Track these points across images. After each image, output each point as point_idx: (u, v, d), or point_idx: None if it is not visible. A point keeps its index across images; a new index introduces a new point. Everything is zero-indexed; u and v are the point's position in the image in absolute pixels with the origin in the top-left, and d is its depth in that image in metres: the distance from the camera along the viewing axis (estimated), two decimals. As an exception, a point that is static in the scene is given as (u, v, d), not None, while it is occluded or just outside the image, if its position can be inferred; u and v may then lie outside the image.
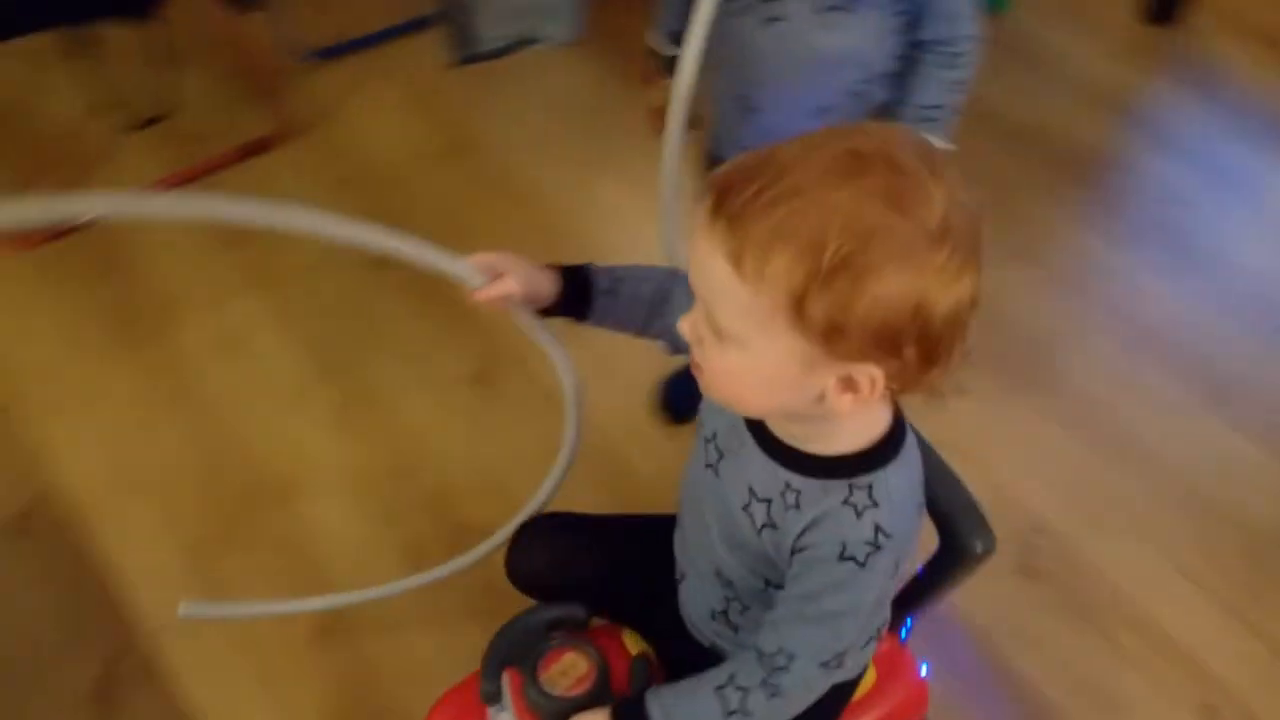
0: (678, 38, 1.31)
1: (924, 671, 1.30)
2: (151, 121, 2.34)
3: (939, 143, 1.38)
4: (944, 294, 0.77)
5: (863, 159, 0.75)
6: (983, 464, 1.85)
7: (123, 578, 1.66)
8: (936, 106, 1.39)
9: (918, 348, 0.78)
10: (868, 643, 0.95)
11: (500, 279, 1.03)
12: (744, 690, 0.94)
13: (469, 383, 1.94)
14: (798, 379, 0.81)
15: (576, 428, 1.24)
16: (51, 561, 1.68)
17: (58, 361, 1.94)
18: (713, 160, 1.54)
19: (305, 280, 2.08)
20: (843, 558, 0.87)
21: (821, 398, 0.82)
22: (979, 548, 1.08)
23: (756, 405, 0.88)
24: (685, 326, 0.86)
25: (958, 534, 1.09)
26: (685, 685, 0.98)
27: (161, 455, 1.82)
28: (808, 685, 0.95)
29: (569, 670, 1.10)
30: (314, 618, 1.62)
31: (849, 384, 0.81)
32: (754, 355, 0.80)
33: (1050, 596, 1.72)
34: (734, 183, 0.77)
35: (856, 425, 0.88)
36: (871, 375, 0.80)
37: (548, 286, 1.05)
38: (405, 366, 1.96)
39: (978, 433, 1.84)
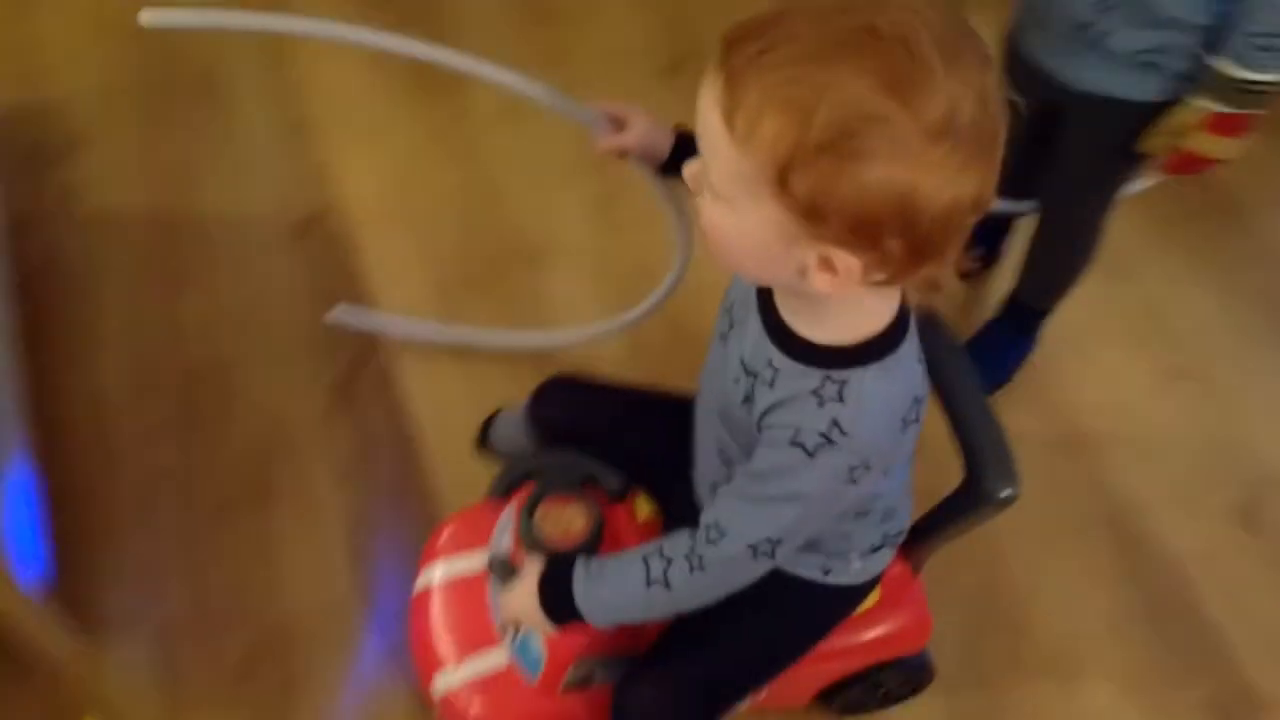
0: None
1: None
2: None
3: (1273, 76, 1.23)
4: (936, 192, 0.72)
5: (876, 38, 0.70)
6: (1229, 404, 1.77)
7: (375, 295, 1.82)
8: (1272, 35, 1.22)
9: (902, 241, 0.75)
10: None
11: (621, 132, 1.05)
12: (669, 560, 0.95)
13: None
14: (779, 249, 0.78)
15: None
16: (320, 267, 1.86)
17: (362, 93, 2.09)
18: (1010, 53, 1.46)
19: (601, 64, 2.15)
20: (793, 443, 0.85)
21: (804, 272, 0.79)
22: (1001, 492, 1.03)
23: (742, 267, 0.86)
24: (688, 174, 0.84)
25: (982, 475, 1.05)
26: (620, 553, 1.00)
27: (432, 198, 1.96)
28: (730, 566, 0.94)
29: (563, 521, 1.11)
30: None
31: (828, 264, 0.78)
32: (740, 217, 0.78)
33: (1269, 552, 1.64)
34: (742, 38, 0.73)
35: (849, 316, 0.86)
36: (848, 262, 0.77)
37: (663, 145, 1.06)
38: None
39: (1233, 368, 1.74)
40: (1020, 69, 1.42)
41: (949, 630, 1.54)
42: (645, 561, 0.97)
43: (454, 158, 2.01)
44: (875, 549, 1.10)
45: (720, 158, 0.76)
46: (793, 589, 1.10)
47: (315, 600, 1.52)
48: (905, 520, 1.12)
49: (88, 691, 1.45)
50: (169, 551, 1.57)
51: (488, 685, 1.16)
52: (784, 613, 1.12)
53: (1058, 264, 1.70)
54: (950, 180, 0.73)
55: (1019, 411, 1.75)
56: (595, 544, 1.10)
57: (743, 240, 0.80)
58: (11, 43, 2.13)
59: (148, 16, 1.06)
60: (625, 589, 0.98)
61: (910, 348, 0.89)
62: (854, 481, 0.87)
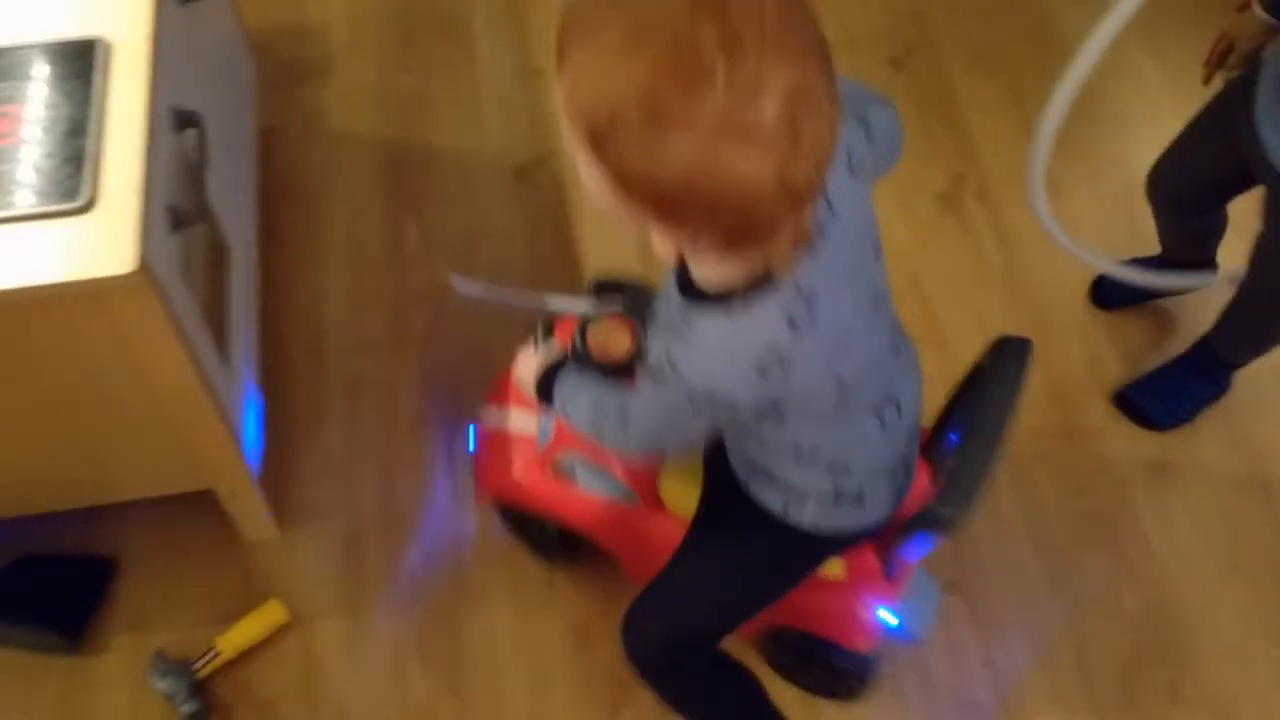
0: None
1: (893, 617, 1.32)
2: None
3: None
4: (728, 177, 0.74)
5: (693, 26, 0.71)
6: None
7: (581, 242, 1.88)
8: None
9: (707, 223, 0.78)
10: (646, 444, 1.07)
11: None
12: (617, 403, 1.09)
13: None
14: (616, 207, 0.81)
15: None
16: (536, 208, 1.93)
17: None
18: (1232, 116, 1.42)
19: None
20: (647, 360, 0.97)
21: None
22: (943, 511, 1.10)
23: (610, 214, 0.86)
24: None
25: (940, 494, 1.11)
26: (595, 380, 1.17)
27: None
28: (630, 435, 1.07)
29: (610, 338, 1.23)
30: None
31: (653, 234, 0.83)
32: (588, 174, 0.81)
33: None
34: (583, 12, 0.76)
35: (707, 268, 0.91)
36: (665, 235, 0.82)
37: None
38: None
39: None
40: (1245, 130, 1.39)
41: (1107, 650, 1.53)
42: (600, 397, 1.12)
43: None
44: (833, 501, 1.14)
45: (564, 119, 0.80)
46: (759, 522, 1.18)
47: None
48: (869, 489, 1.15)
49: (276, 576, 1.56)
50: (365, 456, 1.66)
51: (514, 438, 1.44)
52: (749, 543, 1.22)
53: (1259, 326, 1.64)
54: (744, 166, 0.74)
55: (1208, 445, 1.70)
56: (621, 367, 1.21)
57: (597, 195, 0.82)
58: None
59: None
60: (579, 403, 1.15)
61: (773, 307, 0.89)
62: (698, 411, 0.96)
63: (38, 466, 1.40)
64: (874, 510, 1.17)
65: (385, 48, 2.14)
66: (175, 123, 1.31)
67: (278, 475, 1.61)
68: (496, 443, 1.46)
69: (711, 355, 0.92)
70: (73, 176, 1.12)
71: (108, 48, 1.23)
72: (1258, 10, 1.37)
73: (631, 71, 0.73)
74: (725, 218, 0.78)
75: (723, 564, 1.24)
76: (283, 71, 2.08)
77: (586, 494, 1.40)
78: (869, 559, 1.29)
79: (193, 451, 1.40)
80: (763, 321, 0.90)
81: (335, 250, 1.87)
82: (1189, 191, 1.62)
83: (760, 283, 0.89)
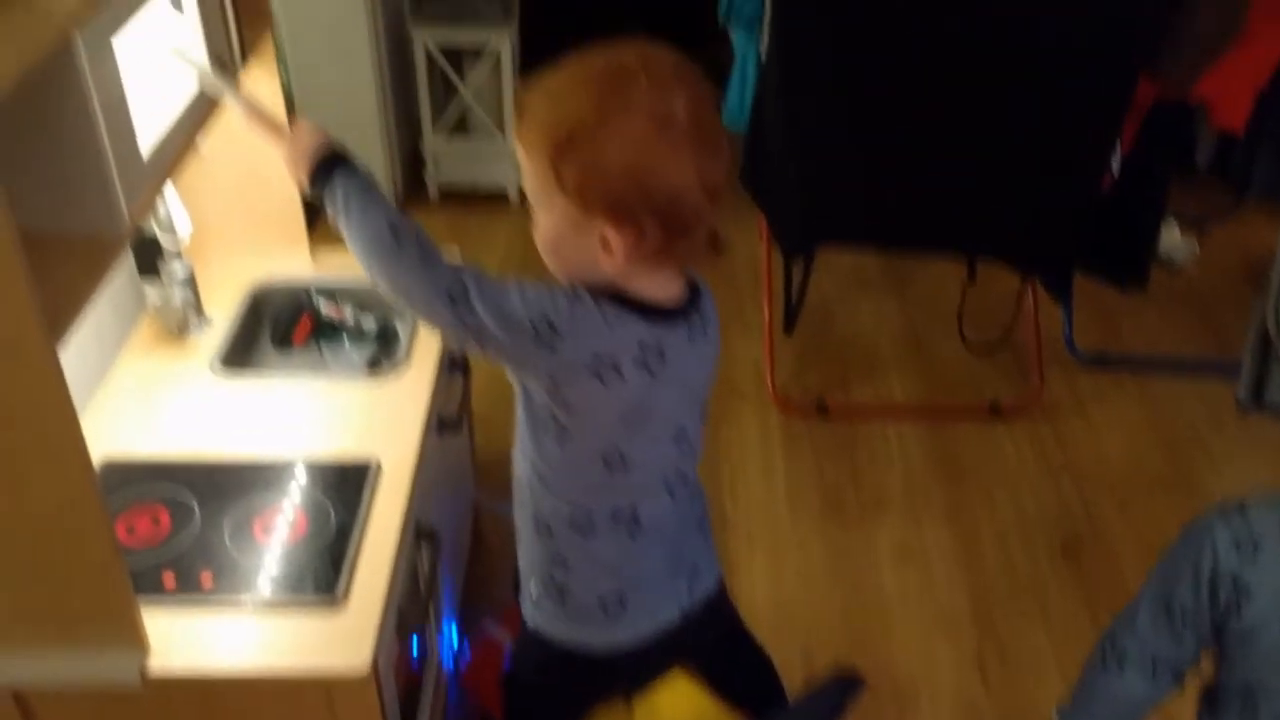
0: None
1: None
2: (979, 346, 2.70)
3: None
4: (665, 173, 1.01)
5: (613, 68, 1.03)
6: None
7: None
8: None
9: (652, 217, 1.03)
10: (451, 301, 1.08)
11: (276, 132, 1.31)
12: (415, 229, 1.14)
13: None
14: (574, 237, 1.06)
15: None
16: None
17: (776, 503, 2.31)
18: None
19: (997, 539, 2.25)
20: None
21: (595, 258, 1.06)
22: None
23: (560, 268, 1.11)
24: (529, 203, 1.10)
25: None
26: (387, 200, 1.18)
27: (814, 616, 2.08)
28: (424, 273, 1.10)
29: None
30: None
31: (606, 245, 1.04)
32: (546, 216, 1.07)
33: None
34: (535, 78, 1.05)
35: (645, 290, 1.10)
36: (618, 240, 1.03)
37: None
38: (1057, 645, 2.02)
39: None
40: None
41: None
42: (402, 219, 1.14)
43: (844, 584, 2.15)
44: (556, 600, 1.24)
45: (525, 171, 1.07)
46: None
47: None
48: (601, 613, 1.23)
49: None
50: None
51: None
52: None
53: None
54: (670, 162, 1.02)
55: None
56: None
57: (553, 237, 1.08)
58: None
59: None
60: (371, 212, 1.15)
61: (638, 327, 1.08)
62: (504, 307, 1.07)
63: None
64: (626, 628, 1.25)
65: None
66: (417, 537, 1.49)
67: None
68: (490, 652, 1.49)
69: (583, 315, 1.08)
70: (331, 575, 1.29)
71: (379, 468, 1.45)
72: None
73: (579, 94, 1.03)
74: (661, 209, 1.03)
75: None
76: (497, 495, 2.31)
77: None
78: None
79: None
80: (615, 327, 1.08)
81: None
82: None
83: (656, 314, 1.10)
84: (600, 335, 1.08)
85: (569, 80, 1.04)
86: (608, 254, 1.05)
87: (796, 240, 2.18)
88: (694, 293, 1.16)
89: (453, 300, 1.07)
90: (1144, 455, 2.47)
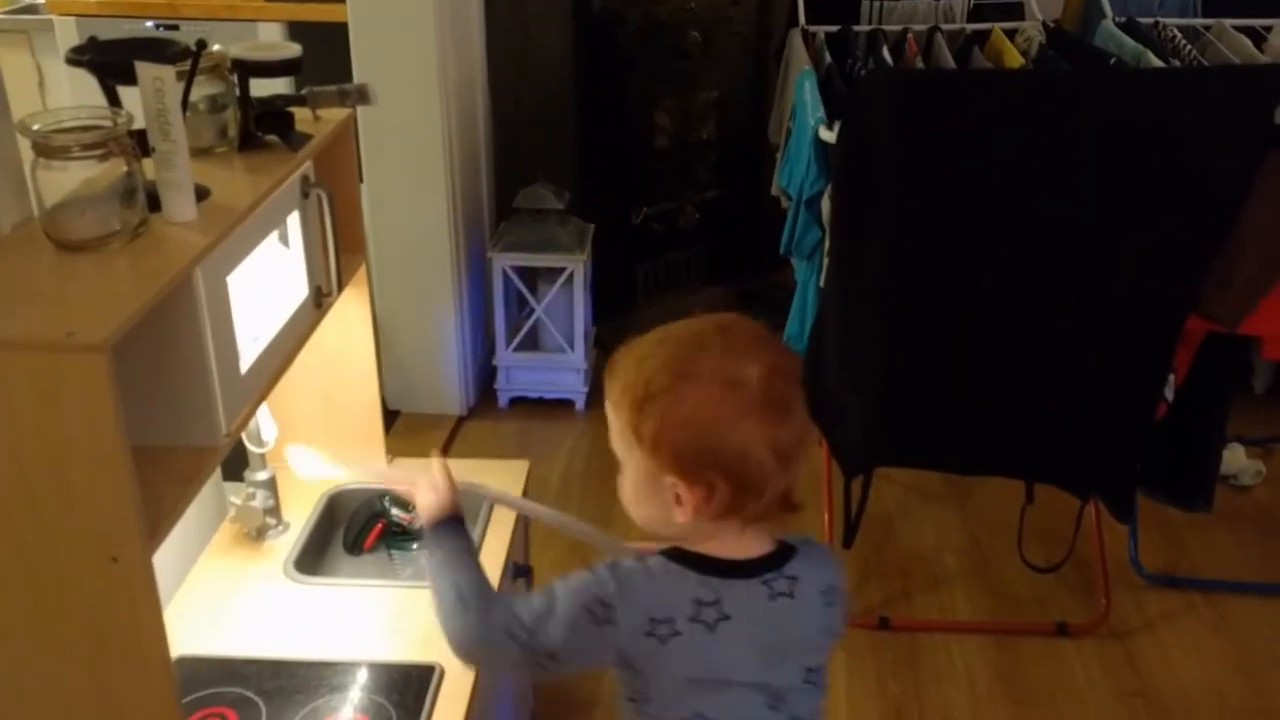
0: None
1: None
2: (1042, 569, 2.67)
3: None
4: (732, 433, 1.09)
5: (692, 337, 1.14)
6: None
7: None
8: None
9: (721, 476, 1.10)
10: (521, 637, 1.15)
11: None
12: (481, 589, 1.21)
13: None
14: (651, 489, 1.14)
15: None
16: None
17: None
18: None
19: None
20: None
21: (669, 509, 1.13)
22: None
23: (640, 519, 1.18)
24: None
25: None
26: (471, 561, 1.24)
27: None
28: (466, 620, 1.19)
29: None
30: None
31: (679, 498, 1.11)
32: (628, 469, 1.16)
33: None
34: (621, 349, 1.17)
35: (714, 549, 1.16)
36: (689, 494, 1.11)
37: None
38: None
39: None
40: None
41: None
42: (466, 583, 1.21)
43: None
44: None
45: (612, 429, 1.16)
46: None
47: None
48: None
49: None
50: None
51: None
52: None
53: None
54: (740, 427, 1.09)
55: None
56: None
57: (633, 490, 1.16)
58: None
59: None
60: (447, 570, 1.23)
61: (684, 579, 1.14)
62: (591, 617, 1.13)
63: None
64: None
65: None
66: (474, 744, 1.52)
67: None
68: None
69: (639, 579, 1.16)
70: (390, 782, 1.32)
71: (442, 673, 1.48)
72: None
73: (659, 356, 1.13)
74: (729, 468, 1.10)
75: None
76: (552, 703, 2.30)
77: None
78: None
79: None
80: (671, 582, 1.15)
81: None
82: None
83: (714, 567, 1.16)
84: (650, 591, 1.15)
85: (653, 344, 1.15)
86: (680, 509, 1.12)
87: (856, 465, 2.23)
88: (782, 553, 1.19)
89: (513, 636, 1.15)
90: (1220, 681, 2.40)
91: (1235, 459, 3.01)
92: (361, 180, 3.04)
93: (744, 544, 1.17)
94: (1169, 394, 1.98)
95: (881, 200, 1.80)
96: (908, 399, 1.74)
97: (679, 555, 1.16)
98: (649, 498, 1.15)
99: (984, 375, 1.81)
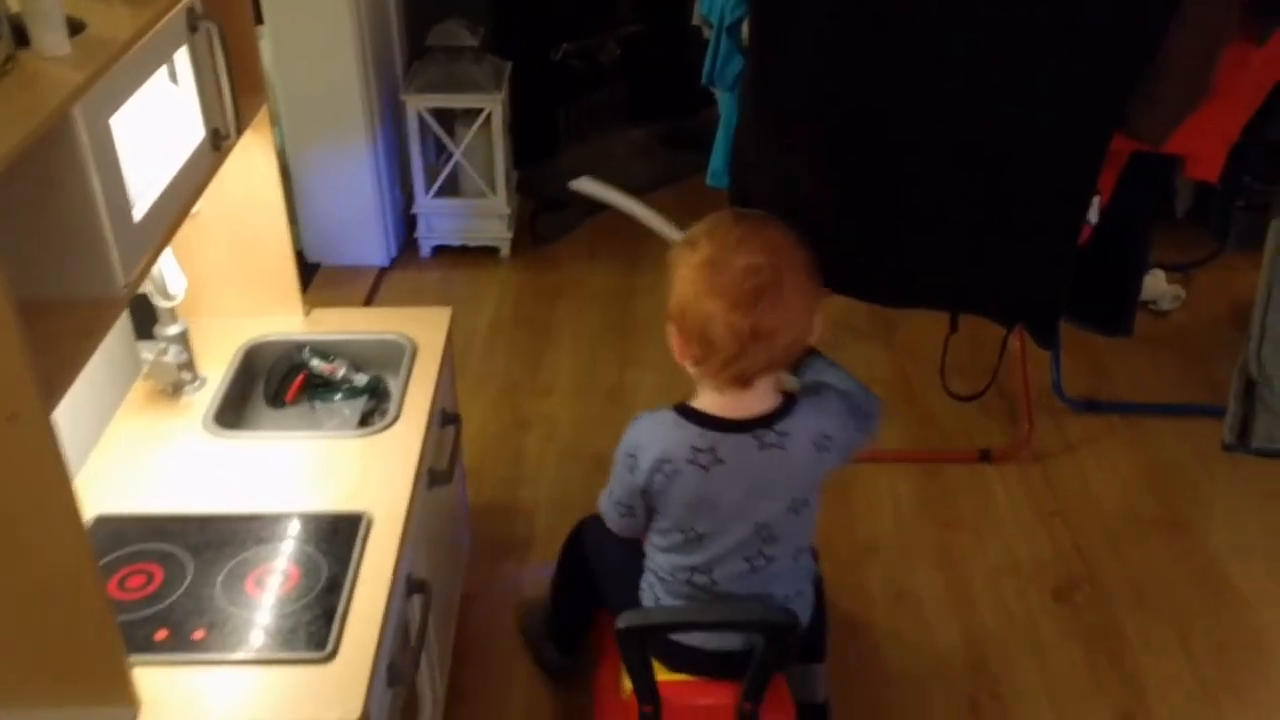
0: None
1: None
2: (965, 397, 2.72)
3: None
4: (700, 303, 1.42)
5: (718, 222, 1.51)
6: None
7: None
8: None
9: (691, 332, 1.44)
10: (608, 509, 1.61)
11: None
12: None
13: None
14: (667, 330, 1.49)
15: None
16: None
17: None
18: None
19: (989, 578, 2.27)
20: None
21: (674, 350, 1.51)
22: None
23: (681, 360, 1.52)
24: None
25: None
26: None
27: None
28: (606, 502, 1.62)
29: None
30: None
31: (673, 340, 1.49)
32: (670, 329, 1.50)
33: None
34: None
35: (705, 400, 1.51)
36: (675, 337, 1.48)
37: None
38: (1050, 686, 2.03)
39: None
40: None
41: None
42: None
43: (837, 627, 2.16)
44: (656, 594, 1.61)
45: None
46: None
47: None
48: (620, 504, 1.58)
49: None
50: None
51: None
52: None
53: None
54: (704, 299, 1.42)
55: None
56: None
57: (671, 338, 1.50)
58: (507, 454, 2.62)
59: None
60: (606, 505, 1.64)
61: (685, 430, 1.48)
62: (631, 470, 1.52)
63: None
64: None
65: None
66: (408, 589, 1.51)
67: None
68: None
69: (642, 432, 1.53)
70: (323, 629, 1.31)
71: (370, 521, 1.47)
72: None
73: (690, 233, 1.52)
74: (695, 328, 1.43)
75: None
76: (490, 545, 2.33)
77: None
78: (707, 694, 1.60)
79: None
80: (669, 430, 1.50)
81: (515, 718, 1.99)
82: None
83: (712, 423, 1.48)
84: (657, 439, 1.50)
85: (703, 222, 1.52)
86: (675, 350, 1.50)
87: None
88: (783, 409, 1.50)
89: (612, 505, 1.60)
90: (1135, 497, 2.49)
91: (1155, 284, 3.07)
92: (261, 22, 2.91)
93: (740, 403, 1.48)
94: (1093, 217, 1.97)
95: (800, 19, 1.73)
96: (829, 230, 1.72)
97: (686, 411, 1.50)
98: (668, 335, 1.50)
99: (906, 202, 1.78)
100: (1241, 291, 3.13)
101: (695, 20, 2.59)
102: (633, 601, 1.62)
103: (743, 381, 1.45)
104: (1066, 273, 1.93)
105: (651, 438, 1.49)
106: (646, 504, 1.53)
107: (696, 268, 1.43)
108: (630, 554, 1.66)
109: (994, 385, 2.61)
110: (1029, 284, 1.95)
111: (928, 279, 1.88)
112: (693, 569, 1.54)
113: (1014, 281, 1.98)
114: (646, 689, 1.56)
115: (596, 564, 1.79)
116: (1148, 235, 2.29)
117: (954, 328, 2.38)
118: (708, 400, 1.49)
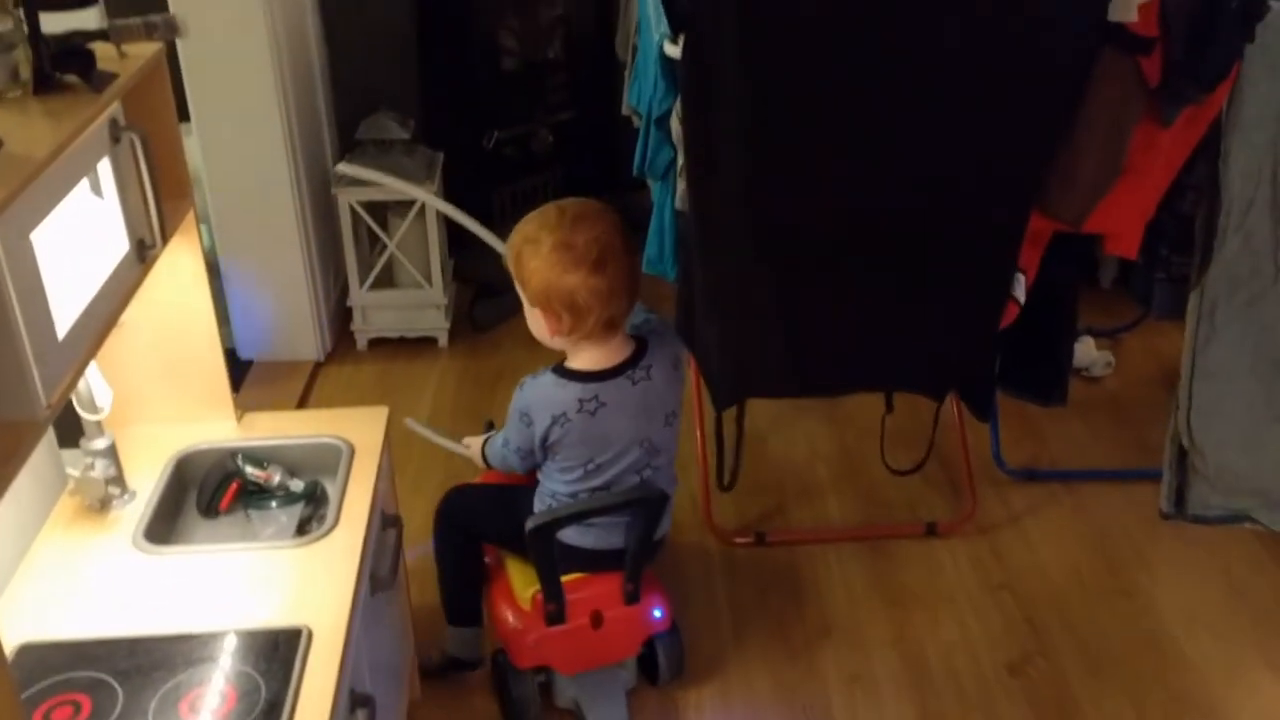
0: None
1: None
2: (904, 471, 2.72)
3: None
4: (563, 280, 1.76)
5: (546, 212, 1.83)
6: None
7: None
8: None
9: (561, 307, 1.77)
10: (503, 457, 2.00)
11: None
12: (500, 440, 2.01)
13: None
14: (531, 317, 1.85)
15: None
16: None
17: (721, 635, 2.29)
18: None
19: (943, 655, 2.26)
20: None
21: (544, 332, 1.84)
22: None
23: (535, 336, 1.88)
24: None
25: None
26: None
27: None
28: (499, 451, 2.02)
29: None
30: None
31: (543, 323, 1.82)
32: (527, 310, 1.86)
33: None
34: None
35: (580, 363, 1.87)
36: (544, 318, 1.81)
37: None
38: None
39: None
40: None
41: None
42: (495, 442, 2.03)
43: (795, 713, 2.13)
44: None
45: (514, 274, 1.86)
46: None
47: None
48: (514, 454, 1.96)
49: None
50: None
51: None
52: None
53: None
54: (568, 278, 1.76)
55: None
56: None
57: (528, 318, 1.86)
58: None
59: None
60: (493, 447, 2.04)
61: (568, 388, 1.84)
62: (527, 426, 1.88)
63: None
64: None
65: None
66: (351, 704, 1.46)
67: None
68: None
69: (531, 393, 1.87)
70: (262, 754, 1.26)
71: (310, 634, 1.42)
72: None
73: (523, 230, 1.82)
74: (564, 302, 1.77)
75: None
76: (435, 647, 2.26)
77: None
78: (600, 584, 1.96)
79: None
80: (563, 396, 1.84)
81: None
82: None
83: (579, 375, 1.84)
84: (546, 399, 1.85)
85: (523, 224, 1.83)
86: (545, 329, 1.83)
87: (723, 397, 2.26)
88: (640, 351, 1.88)
89: (508, 451, 1.97)
90: (1082, 565, 2.50)
91: (1086, 351, 3.12)
92: (187, 119, 2.89)
93: (608, 355, 1.85)
94: (1021, 295, 2.01)
95: (728, 116, 1.77)
96: (766, 325, 1.77)
97: (565, 371, 1.86)
98: (533, 323, 1.85)
99: (838, 292, 1.83)
100: (1169, 354, 3.19)
101: (625, 110, 2.63)
102: (521, 523, 1.87)
103: (614, 327, 1.82)
104: (992, 351, 1.97)
105: (540, 398, 1.85)
106: (544, 448, 1.88)
107: (548, 255, 1.76)
108: (496, 495, 2.10)
109: (936, 455, 2.63)
110: (957, 362, 1.98)
111: (865, 363, 1.91)
112: (593, 489, 1.90)
113: (942, 358, 2.01)
114: (554, 586, 1.89)
115: (476, 517, 2.09)
116: (1074, 306, 2.35)
117: (889, 407, 2.40)
118: (584, 359, 1.85)
